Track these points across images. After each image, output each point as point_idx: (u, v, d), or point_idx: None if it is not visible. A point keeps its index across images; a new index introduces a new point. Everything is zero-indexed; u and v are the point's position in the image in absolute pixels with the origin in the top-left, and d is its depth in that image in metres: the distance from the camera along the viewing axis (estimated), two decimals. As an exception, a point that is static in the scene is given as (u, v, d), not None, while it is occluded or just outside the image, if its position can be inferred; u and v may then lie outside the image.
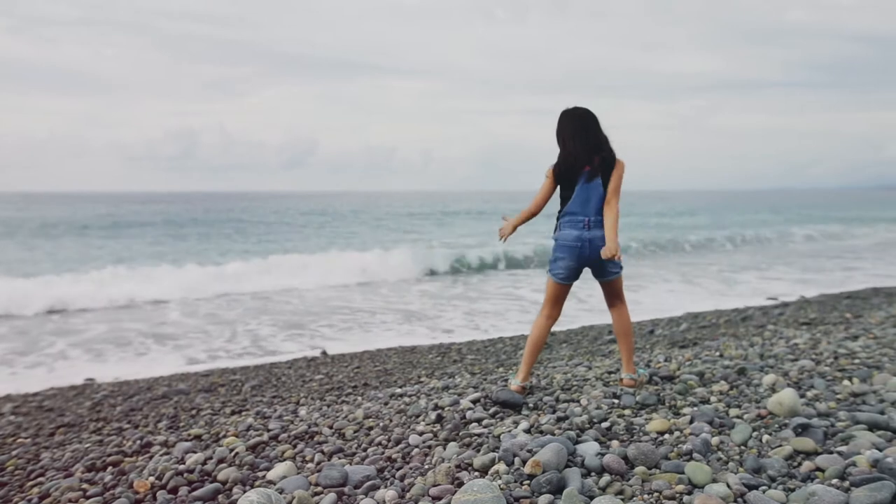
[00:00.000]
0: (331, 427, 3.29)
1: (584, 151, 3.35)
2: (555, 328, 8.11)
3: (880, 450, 2.26)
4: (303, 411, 3.91)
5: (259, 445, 3.07)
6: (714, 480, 2.18)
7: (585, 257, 3.36)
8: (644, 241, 22.30)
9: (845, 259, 17.77)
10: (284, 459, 2.86)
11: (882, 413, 2.66)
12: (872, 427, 2.52)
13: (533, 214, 3.52)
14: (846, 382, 3.22)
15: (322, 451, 2.91)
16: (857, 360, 3.68)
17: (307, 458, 2.85)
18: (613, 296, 3.53)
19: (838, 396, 3.02)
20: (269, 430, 3.33)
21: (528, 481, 2.26)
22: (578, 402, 3.24)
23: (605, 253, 3.23)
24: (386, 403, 3.77)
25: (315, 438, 3.14)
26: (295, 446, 3.04)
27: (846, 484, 2.07)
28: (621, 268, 3.44)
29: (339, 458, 2.84)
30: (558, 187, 3.43)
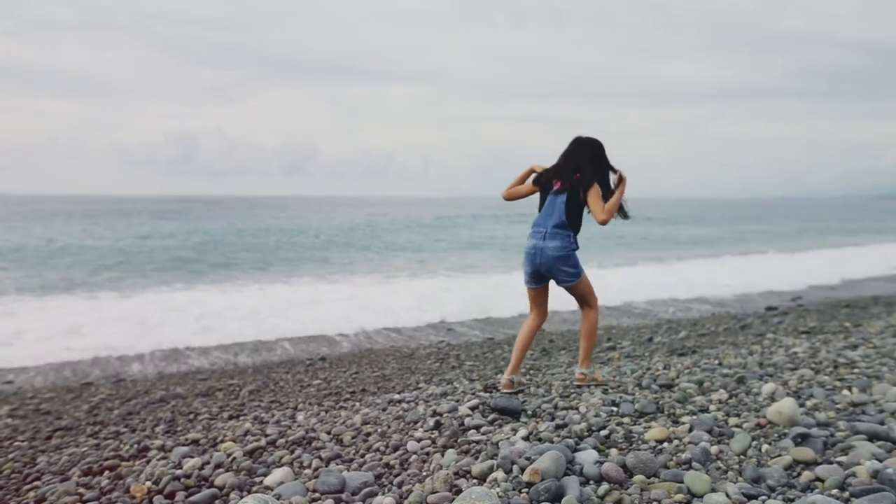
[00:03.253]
0: (329, 433, 3.28)
1: (561, 169, 3.76)
2: (553, 335, 8.10)
3: (880, 460, 2.25)
4: (301, 417, 3.89)
5: (256, 451, 3.06)
6: (713, 490, 2.17)
7: (538, 264, 3.73)
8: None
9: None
10: (282, 465, 2.84)
11: (882, 423, 2.66)
12: (872, 437, 2.52)
13: (512, 194, 3.99)
14: (846, 392, 3.21)
15: (320, 457, 2.90)
16: (856, 370, 3.68)
17: (305, 464, 2.84)
18: (580, 301, 3.86)
19: (838, 406, 3.01)
20: (266, 436, 3.32)
21: (526, 489, 2.25)
22: (577, 409, 3.23)
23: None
24: (384, 409, 3.76)
25: (313, 444, 3.13)
26: (292, 452, 3.03)
27: (846, 494, 2.06)
28: (576, 276, 3.72)
29: (337, 465, 2.83)
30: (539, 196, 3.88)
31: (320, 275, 15.70)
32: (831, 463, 2.31)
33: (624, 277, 14.51)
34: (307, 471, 2.77)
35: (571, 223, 3.71)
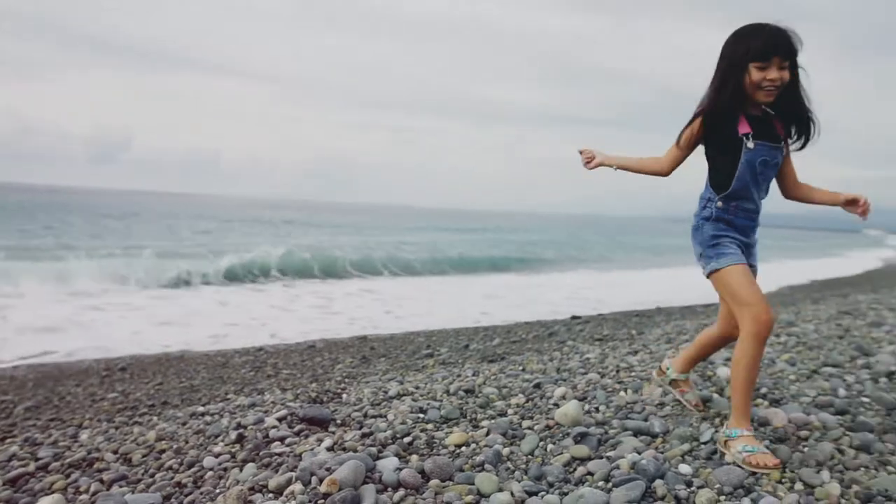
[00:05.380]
0: (115, 452, 2.99)
1: None
2: (375, 341, 8.15)
3: (639, 453, 2.56)
4: (84, 435, 3.51)
5: (21, 478, 2.70)
6: (500, 489, 2.32)
7: None
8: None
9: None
10: (53, 492, 2.54)
11: (646, 420, 3.02)
12: (637, 433, 2.85)
13: None
14: (622, 393, 3.60)
15: (101, 480, 2.64)
16: (633, 373, 4.14)
17: (81, 489, 2.57)
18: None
19: (615, 406, 3.37)
20: (37, 460, 2.94)
21: (323, 500, 2.23)
22: (385, 417, 3.28)
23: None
24: (184, 423, 3.53)
25: (94, 466, 2.84)
26: (68, 476, 2.72)
27: (609, 485, 2.31)
28: (702, 261, 2.64)
29: (121, 486, 2.59)
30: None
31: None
32: (602, 458, 2.58)
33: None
34: (83, 496, 2.50)
35: (709, 177, 2.64)
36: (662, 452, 2.59)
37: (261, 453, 2.80)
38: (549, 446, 2.76)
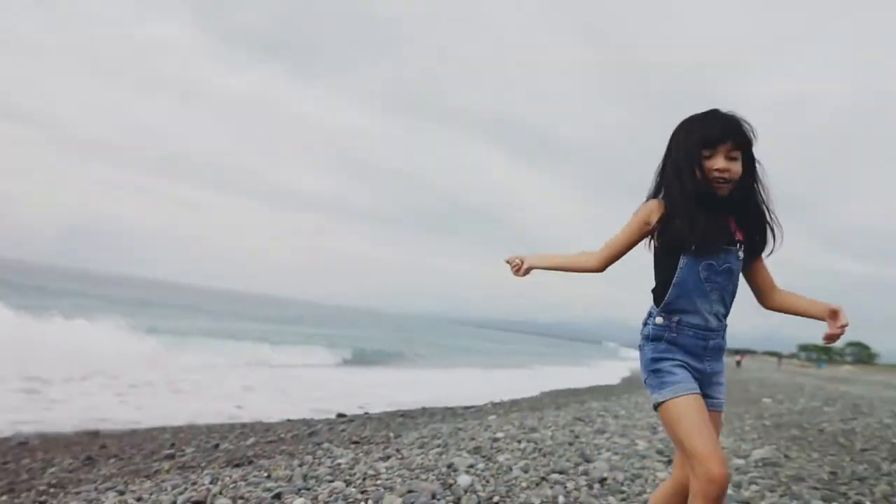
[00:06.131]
0: None
1: None
2: (109, 437, 7.11)
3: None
4: None
5: None
6: None
7: None
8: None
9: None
10: None
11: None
12: (367, 549, 2.79)
13: None
14: (362, 504, 3.54)
15: None
16: (379, 481, 4.11)
17: None
18: None
19: (352, 519, 3.29)
20: None
21: None
22: (86, 538, 2.82)
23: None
24: None
25: None
26: None
27: None
28: (649, 389, 2.17)
29: None
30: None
31: None
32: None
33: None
34: None
35: (654, 286, 2.25)
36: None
37: None
38: (271, 569, 2.56)
